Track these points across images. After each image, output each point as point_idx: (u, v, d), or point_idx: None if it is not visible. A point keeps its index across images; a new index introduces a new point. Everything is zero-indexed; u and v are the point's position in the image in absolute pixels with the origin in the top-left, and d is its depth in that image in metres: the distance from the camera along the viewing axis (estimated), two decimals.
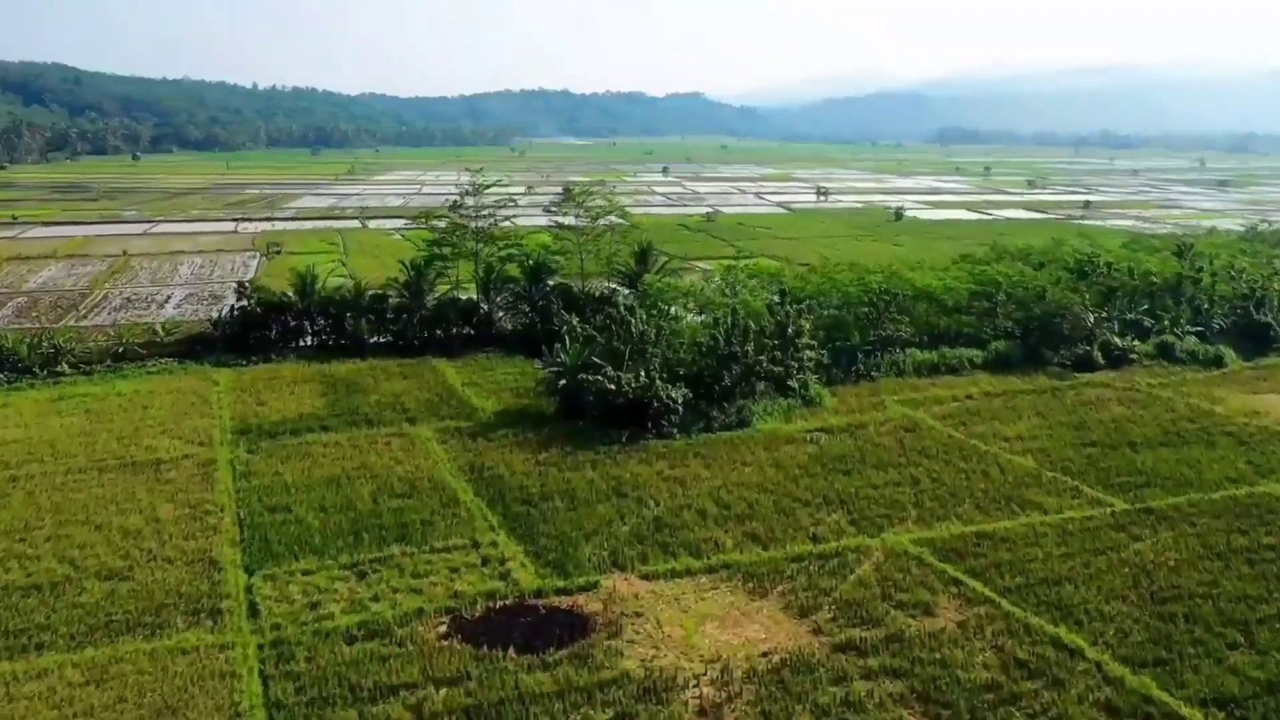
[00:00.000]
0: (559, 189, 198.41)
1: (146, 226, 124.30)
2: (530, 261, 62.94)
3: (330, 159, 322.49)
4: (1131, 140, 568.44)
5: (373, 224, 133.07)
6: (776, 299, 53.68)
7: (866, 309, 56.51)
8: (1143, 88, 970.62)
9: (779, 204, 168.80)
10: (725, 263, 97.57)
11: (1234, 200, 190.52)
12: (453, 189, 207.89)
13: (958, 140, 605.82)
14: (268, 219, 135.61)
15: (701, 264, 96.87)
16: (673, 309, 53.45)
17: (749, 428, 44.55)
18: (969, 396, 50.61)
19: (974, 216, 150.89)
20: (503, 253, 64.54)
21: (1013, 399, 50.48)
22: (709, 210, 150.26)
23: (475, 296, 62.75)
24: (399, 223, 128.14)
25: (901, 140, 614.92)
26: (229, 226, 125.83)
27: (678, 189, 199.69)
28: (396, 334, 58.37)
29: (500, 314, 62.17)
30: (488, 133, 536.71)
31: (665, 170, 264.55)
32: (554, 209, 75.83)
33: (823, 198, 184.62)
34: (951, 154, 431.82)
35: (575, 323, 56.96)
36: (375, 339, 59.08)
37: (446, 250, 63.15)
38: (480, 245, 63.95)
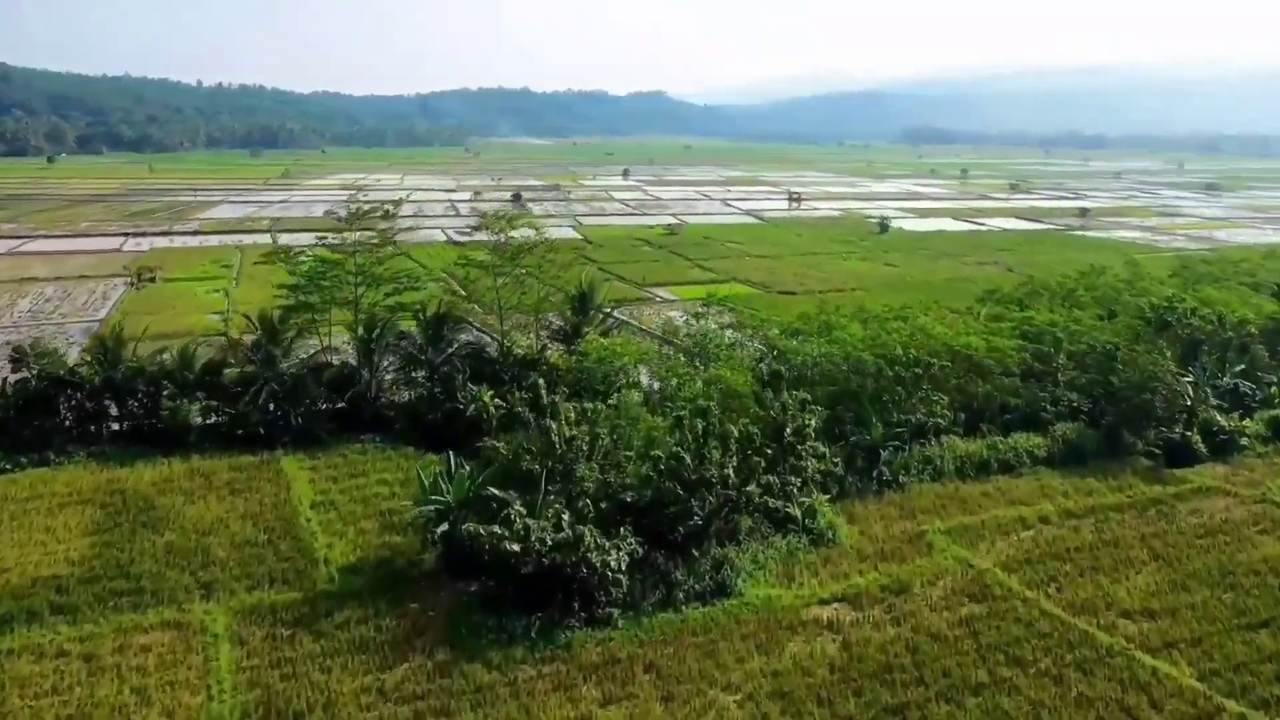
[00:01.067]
0: (510, 193, 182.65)
1: (15, 244, 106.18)
2: (429, 313, 46.60)
3: (271, 161, 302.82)
4: (1101, 141, 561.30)
5: (286, 238, 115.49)
6: (765, 372, 38.18)
7: (887, 383, 40.89)
8: (1108, 89, 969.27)
9: (748, 211, 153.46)
10: (694, 292, 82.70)
11: (1231, 205, 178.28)
12: (393, 193, 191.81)
13: (925, 140, 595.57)
14: (165, 233, 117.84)
15: (663, 292, 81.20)
16: (617, 394, 37.53)
17: (731, 598, 28.91)
18: (1043, 520, 35.25)
19: (964, 227, 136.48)
20: (391, 299, 47.76)
21: (1105, 521, 35.22)
22: (672, 221, 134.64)
23: (355, 360, 46.12)
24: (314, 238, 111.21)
25: (868, 140, 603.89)
26: (114, 243, 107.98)
27: (638, 194, 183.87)
28: (235, 417, 41.62)
29: (387, 384, 45.79)
30: (443, 132, 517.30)
31: (626, 173, 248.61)
32: (468, 238, 58.00)
33: (795, 204, 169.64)
34: (921, 154, 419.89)
35: (488, 399, 41.23)
36: (208, 421, 42.45)
37: (313, 298, 45.95)
38: (361, 287, 47.18)
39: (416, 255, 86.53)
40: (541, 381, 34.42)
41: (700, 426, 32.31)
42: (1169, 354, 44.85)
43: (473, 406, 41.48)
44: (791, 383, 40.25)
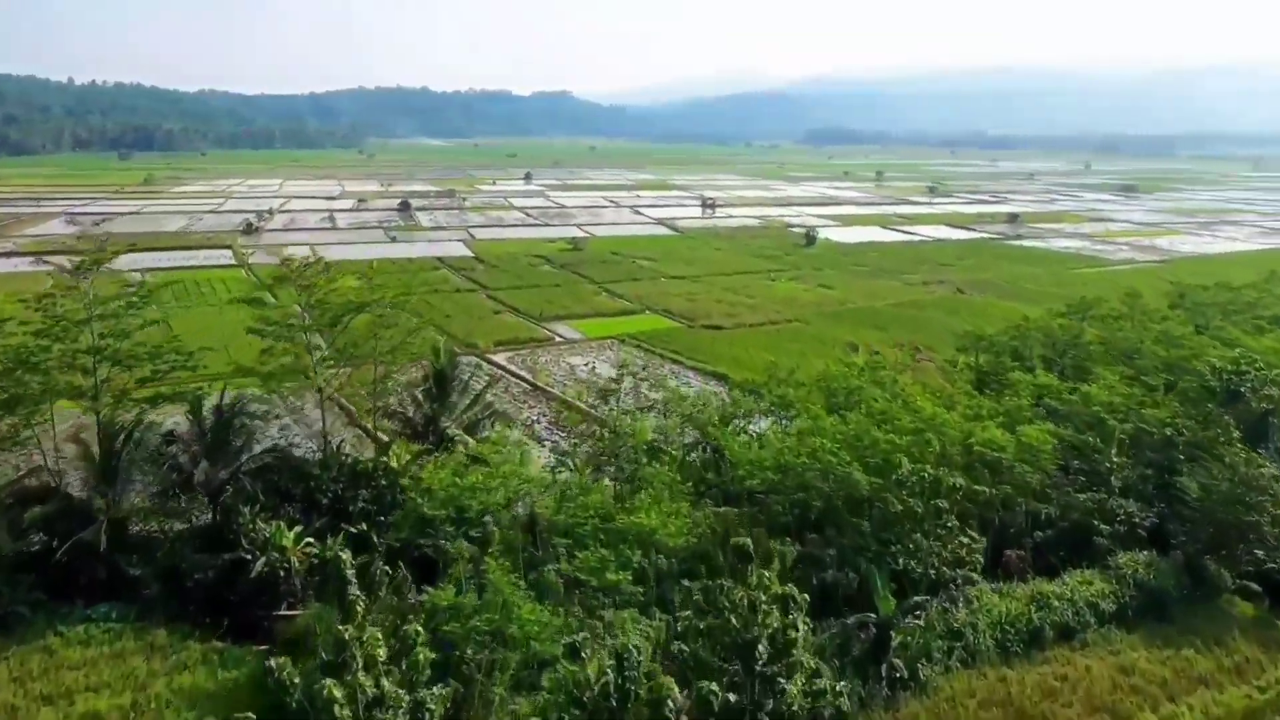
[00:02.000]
0: (398, 201, 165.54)
1: None
2: (212, 401, 31.49)
3: (141, 164, 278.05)
4: (1004, 141, 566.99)
5: (120, 261, 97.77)
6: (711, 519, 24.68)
7: (892, 517, 27.46)
8: (1008, 90, 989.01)
9: (660, 221, 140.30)
10: (602, 327, 68.68)
11: (1155, 209, 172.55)
12: (265, 202, 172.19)
13: (830, 140, 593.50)
14: None
15: (564, 328, 67.02)
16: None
17: None
18: None
19: (895, 237, 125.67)
20: (151, 387, 32.19)
21: None
22: (577, 234, 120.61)
23: (83, 484, 30.51)
24: (161, 258, 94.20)
25: (775, 140, 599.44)
26: None
27: (540, 202, 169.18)
28: None
29: (138, 518, 30.47)
30: (337, 133, 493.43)
31: (528, 177, 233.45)
32: (257, 296, 41.68)
33: (710, 211, 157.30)
34: (831, 156, 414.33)
35: (290, 543, 26.89)
36: None
37: (25, 386, 30.01)
38: (104, 366, 31.37)
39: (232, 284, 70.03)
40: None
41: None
42: (1233, 430, 32.83)
43: (262, 560, 26.99)
44: (748, 518, 26.88)
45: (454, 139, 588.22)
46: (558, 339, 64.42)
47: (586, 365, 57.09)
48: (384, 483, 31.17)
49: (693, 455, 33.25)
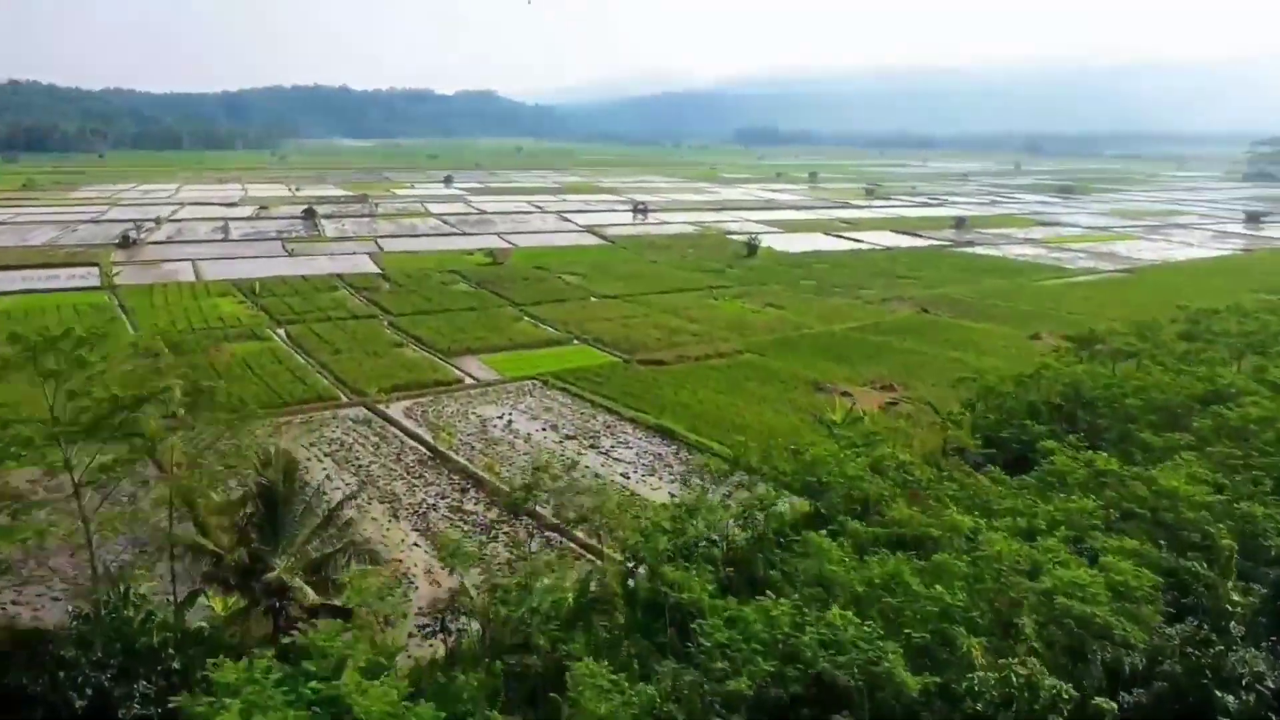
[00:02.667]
0: (302, 208, 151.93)
1: None
2: None
3: (28, 166, 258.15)
4: (930, 141, 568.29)
5: None
6: None
7: None
8: (929, 90, 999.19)
9: (589, 228, 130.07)
10: (520, 363, 58.30)
11: (1099, 210, 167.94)
12: (155, 209, 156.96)
13: (760, 141, 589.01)
14: None
15: (475, 365, 56.39)
16: None
17: None
18: None
19: (840, 245, 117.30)
20: None
21: None
22: (497, 244, 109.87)
23: None
24: (13, 279, 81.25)
25: (705, 141, 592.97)
26: None
27: (459, 207, 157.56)
28: None
29: None
30: (249, 134, 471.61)
31: (448, 180, 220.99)
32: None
33: (642, 216, 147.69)
34: (762, 156, 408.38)
35: None
36: None
37: None
38: None
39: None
40: None
41: None
42: None
43: None
44: None
45: (375, 139, 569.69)
46: (468, 380, 53.86)
47: (501, 419, 46.67)
48: (176, 665, 20.65)
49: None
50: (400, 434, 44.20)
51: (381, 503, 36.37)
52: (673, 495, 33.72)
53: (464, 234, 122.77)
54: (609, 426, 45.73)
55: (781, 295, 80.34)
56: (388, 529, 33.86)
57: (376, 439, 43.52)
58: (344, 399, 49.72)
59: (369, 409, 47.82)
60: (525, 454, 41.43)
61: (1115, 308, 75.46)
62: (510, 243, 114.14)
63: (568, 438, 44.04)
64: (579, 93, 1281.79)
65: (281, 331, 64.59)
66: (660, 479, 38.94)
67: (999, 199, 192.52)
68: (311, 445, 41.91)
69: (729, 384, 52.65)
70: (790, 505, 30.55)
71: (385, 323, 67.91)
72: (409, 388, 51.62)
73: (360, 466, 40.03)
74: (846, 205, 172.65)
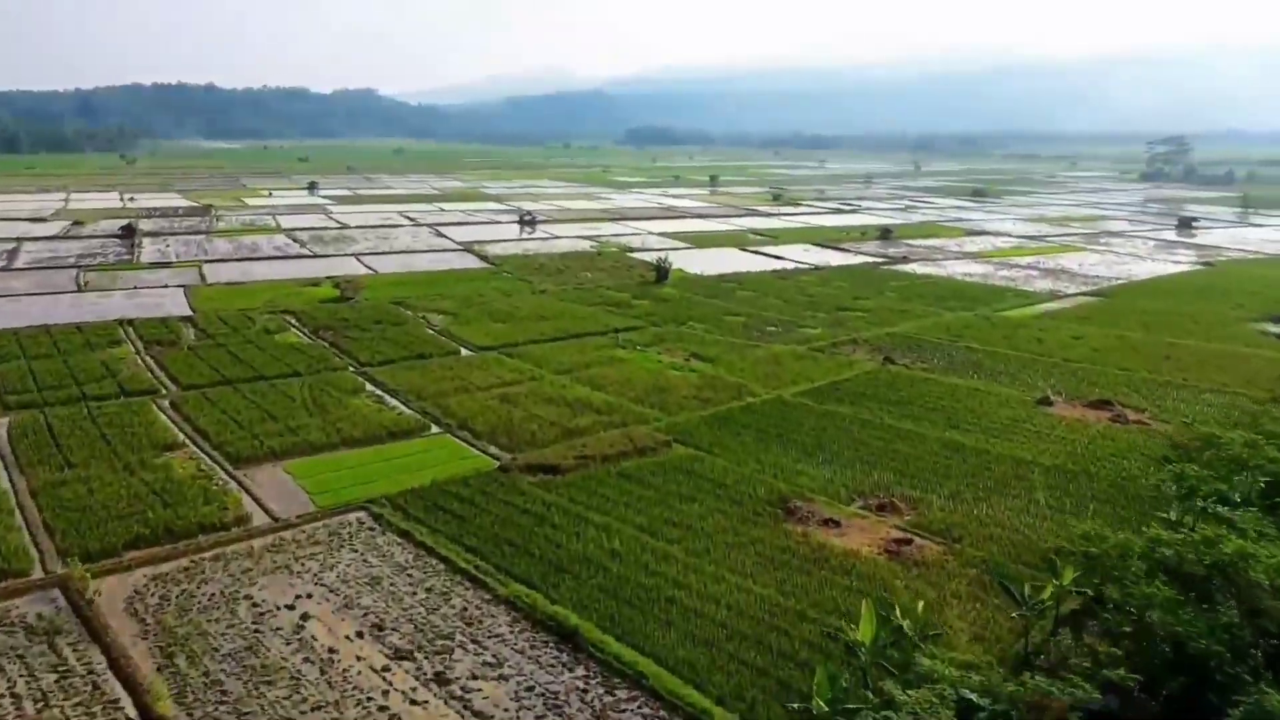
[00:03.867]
0: (123, 224, 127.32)
1: None
2: None
3: None
4: (821, 141, 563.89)
5: None
6: None
7: None
8: (820, 89, 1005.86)
9: (467, 246, 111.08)
10: (349, 485, 40.00)
11: (1024, 217, 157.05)
12: None
13: (651, 141, 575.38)
14: None
15: (273, 489, 35.39)
16: None
17: None
18: None
19: (761, 264, 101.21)
20: None
21: None
22: (353, 270, 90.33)
23: None
24: None
25: (596, 141, 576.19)
26: None
27: (316, 220, 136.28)
28: None
29: None
30: (102, 135, 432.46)
31: (312, 186, 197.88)
32: None
33: (529, 229, 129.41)
34: (655, 158, 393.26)
35: None
36: None
37: None
38: None
39: None
40: None
41: None
42: None
43: None
44: None
45: (244, 141, 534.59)
46: (257, 520, 34.96)
47: (291, 612, 28.03)
48: None
49: None
50: (89, 670, 25.21)
51: None
52: None
53: (315, 256, 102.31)
54: (472, 620, 27.73)
55: (707, 340, 63.36)
56: None
57: (33, 684, 24.45)
58: (36, 572, 30.47)
59: (69, 595, 28.76)
60: (316, 708, 23.23)
61: (1118, 354, 61.10)
62: (369, 267, 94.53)
63: (398, 657, 25.90)
64: (466, 92, 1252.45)
65: (1, 425, 44.35)
66: None
67: (913, 204, 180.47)
68: None
69: (657, 508, 35.28)
70: None
71: (162, 404, 48.10)
72: (155, 540, 32.57)
73: None
74: (754, 213, 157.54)
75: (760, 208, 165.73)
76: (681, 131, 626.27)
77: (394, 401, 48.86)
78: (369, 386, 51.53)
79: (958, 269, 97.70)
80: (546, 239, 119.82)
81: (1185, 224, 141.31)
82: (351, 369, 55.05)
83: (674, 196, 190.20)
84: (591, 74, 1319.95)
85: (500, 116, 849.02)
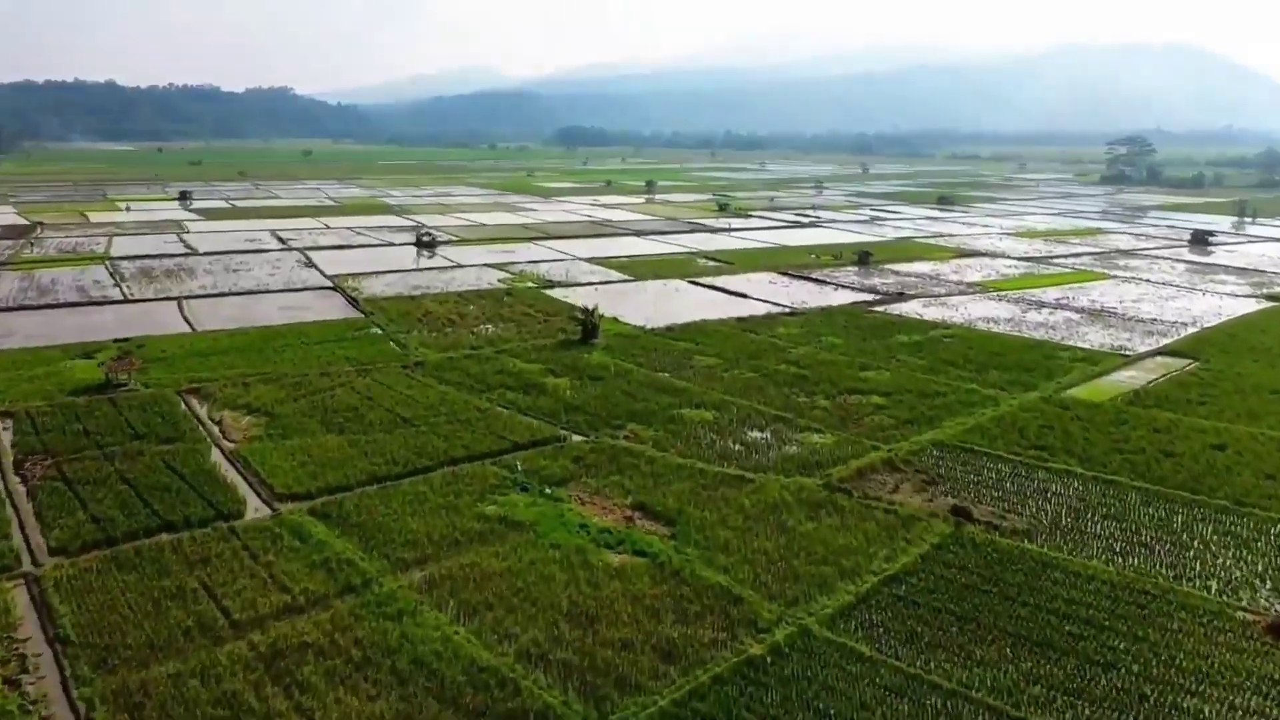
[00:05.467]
0: None
1: None
2: None
3: None
4: (759, 141, 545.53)
5: None
6: None
7: None
8: (745, 88, 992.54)
9: (338, 283, 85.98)
10: None
11: (1011, 230, 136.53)
12: None
13: (579, 141, 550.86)
14: None
15: None
16: None
17: None
18: None
19: (718, 306, 77.68)
20: None
21: None
22: (166, 321, 64.75)
23: None
24: None
25: (522, 142, 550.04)
26: None
27: (165, 244, 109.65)
28: None
29: None
30: None
31: (184, 197, 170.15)
32: None
33: (428, 253, 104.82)
34: (586, 160, 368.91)
35: None
36: None
37: None
38: None
39: None
40: None
41: None
42: None
43: None
44: None
45: (143, 142, 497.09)
46: None
47: None
48: None
49: None
50: None
51: None
52: None
53: (124, 300, 76.23)
54: None
55: (660, 471, 39.59)
56: None
57: None
58: None
59: None
60: None
61: (1261, 457, 39.18)
62: (188, 319, 69.01)
63: None
64: (388, 92, 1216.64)
65: None
66: None
67: (878, 214, 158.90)
68: None
69: None
70: None
71: None
72: None
73: None
74: (699, 227, 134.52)
75: (706, 221, 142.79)
76: (613, 132, 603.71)
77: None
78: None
79: (974, 310, 75.59)
80: (446, 267, 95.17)
81: (1200, 240, 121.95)
82: (18, 585, 30.09)
83: (606, 207, 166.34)
84: (518, 73, 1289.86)
85: (425, 115, 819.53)
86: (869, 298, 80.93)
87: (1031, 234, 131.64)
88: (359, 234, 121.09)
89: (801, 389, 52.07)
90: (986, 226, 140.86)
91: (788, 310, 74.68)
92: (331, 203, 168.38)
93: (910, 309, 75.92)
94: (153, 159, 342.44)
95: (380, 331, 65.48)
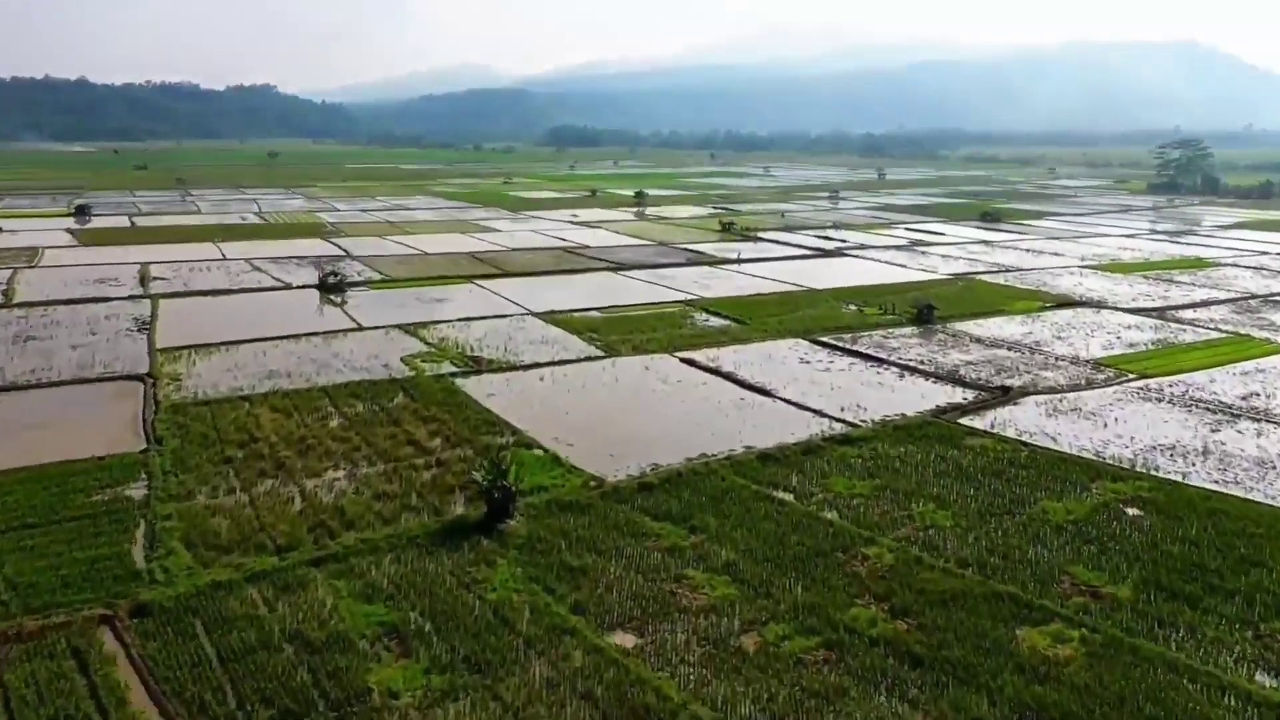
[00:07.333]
0: None
1: None
2: None
3: None
4: (759, 141, 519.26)
5: None
6: None
7: None
8: (749, 86, 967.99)
9: (158, 367, 58.31)
10: None
11: (1089, 260, 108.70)
12: None
13: (571, 141, 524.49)
14: None
15: None
16: None
17: None
18: None
19: (733, 423, 49.66)
20: None
21: None
22: None
23: None
24: None
25: (512, 142, 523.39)
26: None
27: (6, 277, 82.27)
28: None
29: None
30: None
31: (81, 212, 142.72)
32: None
33: (336, 298, 77.18)
34: (574, 163, 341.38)
35: None
36: None
37: None
38: None
39: None
40: None
41: None
42: None
43: None
44: None
45: (108, 142, 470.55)
46: None
47: None
48: None
49: None
50: None
51: None
52: None
53: None
54: None
55: None
56: None
57: None
58: None
59: None
60: None
61: None
62: None
63: None
64: (378, 90, 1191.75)
65: None
66: None
67: (916, 237, 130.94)
68: None
69: None
70: None
71: None
72: None
73: None
74: (699, 258, 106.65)
75: (706, 247, 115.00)
76: (606, 132, 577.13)
77: None
78: None
79: (1137, 427, 47.39)
80: (337, 331, 67.32)
81: None
82: None
83: (586, 225, 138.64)
84: (512, 71, 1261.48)
85: (414, 116, 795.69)
86: (957, 396, 53.05)
87: (1119, 267, 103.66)
88: (255, 269, 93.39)
89: (912, 682, 24.20)
90: (1057, 254, 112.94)
91: (840, 430, 46.72)
92: (255, 220, 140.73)
93: (1030, 422, 47.99)
94: (106, 161, 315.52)
95: (140, 495, 37.41)
